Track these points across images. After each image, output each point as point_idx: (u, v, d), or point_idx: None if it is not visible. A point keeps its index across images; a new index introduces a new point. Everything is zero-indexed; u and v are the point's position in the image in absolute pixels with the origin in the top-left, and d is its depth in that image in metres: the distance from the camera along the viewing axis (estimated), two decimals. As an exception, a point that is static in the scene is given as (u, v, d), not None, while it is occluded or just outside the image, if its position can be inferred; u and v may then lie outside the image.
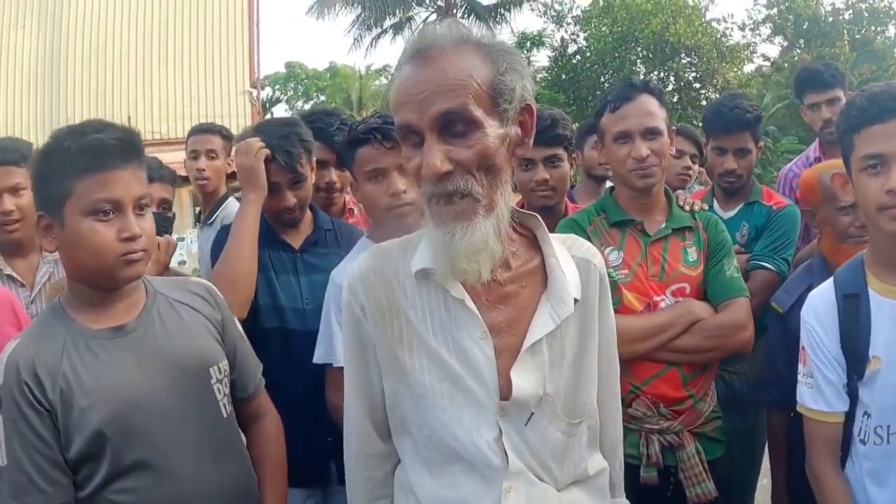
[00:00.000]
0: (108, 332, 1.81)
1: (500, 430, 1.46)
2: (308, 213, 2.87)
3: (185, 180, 4.44)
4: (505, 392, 1.47)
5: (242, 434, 2.08)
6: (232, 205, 3.76)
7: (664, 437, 2.41)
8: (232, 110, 17.75)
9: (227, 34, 18.65)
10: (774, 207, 3.12)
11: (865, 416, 1.96)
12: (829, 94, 3.71)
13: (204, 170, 3.98)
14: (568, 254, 1.60)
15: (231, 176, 3.55)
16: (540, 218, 1.59)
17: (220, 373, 1.94)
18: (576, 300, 1.54)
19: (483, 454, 1.46)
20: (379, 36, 28.41)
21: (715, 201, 3.27)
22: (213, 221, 3.95)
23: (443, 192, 1.38)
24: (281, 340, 2.61)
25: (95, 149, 1.74)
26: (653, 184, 2.50)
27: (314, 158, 2.76)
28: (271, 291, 2.67)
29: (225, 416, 1.94)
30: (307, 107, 38.13)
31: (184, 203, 12.76)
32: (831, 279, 2.08)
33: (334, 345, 2.38)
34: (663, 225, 2.54)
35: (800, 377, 2.09)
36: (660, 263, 2.50)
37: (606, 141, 2.56)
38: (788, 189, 3.84)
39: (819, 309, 2.05)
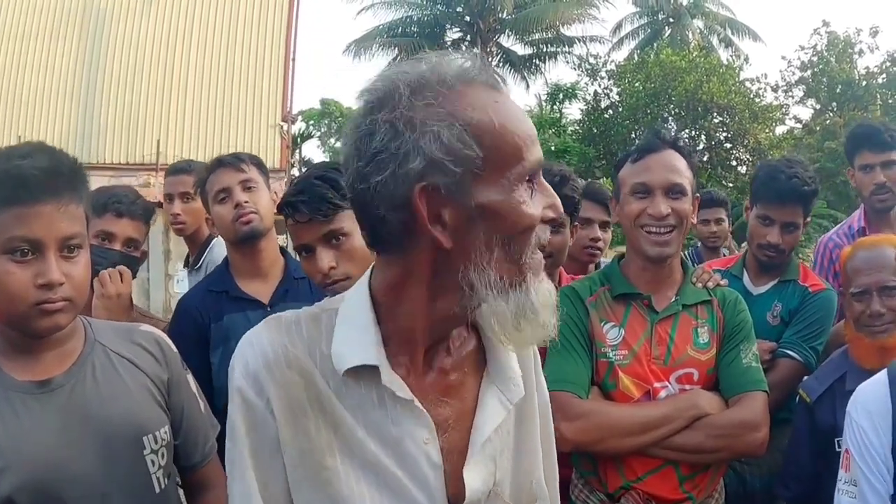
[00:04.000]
0: (33, 386, 1.57)
1: None
2: (279, 259, 2.74)
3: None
4: (453, 496, 1.25)
5: None
6: (217, 248, 3.51)
7: None
8: (261, 143, 17.74)
9: (264, 66, 18.75)
10: (811, 290, 2.84)
11: None
12: (885, 155, 3.39)
13: (179, 214, 3.64)
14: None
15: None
16: None
17: (156, 442, 1.69)
18: None
19: None
20: (413, 79, 28.61)
21: (746, 272, 2.98)
22: (199, 266, 3.72)
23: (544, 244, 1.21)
24: None
25: (14, 178, 1.49)
26: (668, 254, 2.23)
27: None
28: None
29: (158, 491, 1.69)
30: (339, 144, 38.31)
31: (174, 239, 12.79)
32: (885, 371, 1.85)
33: None
34: (673, 300, 2.27)
35: (840, 484, 1.88)
36: (666, 344, 2.22)
37: (622, 194, 2.28)
38: (827, 260, 3.53)
39: (870, 406, 1.82)
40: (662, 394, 2.20)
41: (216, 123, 17.90)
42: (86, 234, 1.64)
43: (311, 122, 41.66)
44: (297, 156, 29.97)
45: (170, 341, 1.89)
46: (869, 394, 1.84)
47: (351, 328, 1.25)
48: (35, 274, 1.52)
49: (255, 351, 1.25)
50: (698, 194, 2.34)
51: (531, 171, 1.16)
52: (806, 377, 2.56)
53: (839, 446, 2.09)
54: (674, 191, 2.21)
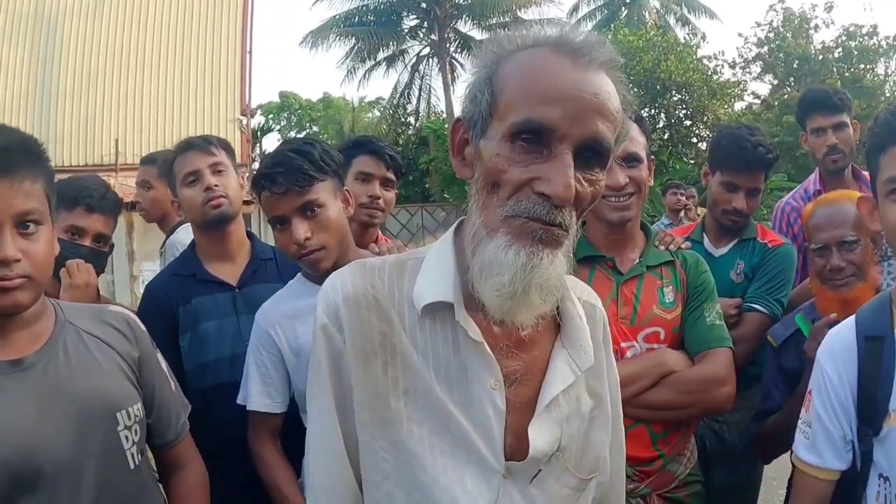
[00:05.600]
0: (6, 365, 1.56)
1: (499, 495, 1.24)
2: (246, 242, 2.71)
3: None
4: (511, 450, 1.26)
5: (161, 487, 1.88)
6: (176, 236, 3.56)
7: (628, 501, 2.10)
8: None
9: (220, 60, 18.59)
10: (770, 246, 2.92)
11: (884, 481, 1.71)
12: (836, 118, 3.48)
13: (139, 201, 3.92)
14: (574, 296, 1.39)
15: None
16: None
17: (130, 418, 1.69)
18: None
19: None
20: (372, 68, 28.50)
21: (706, 236, 3.06)
22: (162, 250, 3.80)
23: (550, 221, 1.14)
24: (223, 398, 2.40)
25: None
26: (628, 217, 2.28)
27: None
28: (201, 348, 2.50)
29: (132, 466, 1.70)
30: (299, 136, 38.21)
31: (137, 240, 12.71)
32: (853, 318, 1.84)
33: (248, 385, 2.26)
34: (637, 261, 2.31)
35: (799, 423, 1.89)
36: (632, 304, 2.25)
37: None
38: (786, 224, 3.63)
39: (836, 351, 1.81)
40: (629, 353, 2.22)
41: (175, 120, 17.70)
42: (47, 211, 1.61)
43: (271, 115, 41.42)
44: (257, 150, 29.75)
45: (138, 320, 1.89)
46: (836, 339, 1.84)
47: (433, 271, 1.29)
48: None
49: (336, 290, 1.31)
50: (652, 156, 2.37)
51: (518, 128, 1.16)
52: (774, 325, 2.61)
53: None
54: (629, 160, 2.25)
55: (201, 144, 2.66)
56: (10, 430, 1.50)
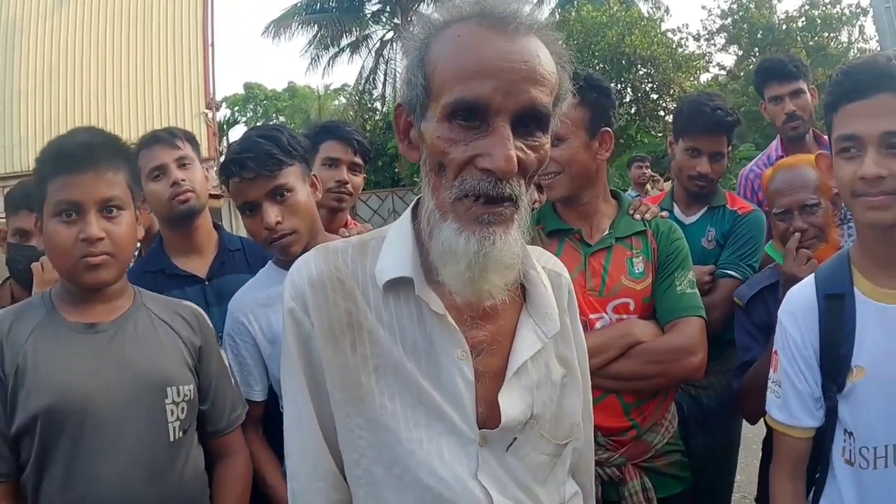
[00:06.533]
0: (81, 326, 1.83)
1: (478, 462, 1.27)
2: (213, 234, 2.70)
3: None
4: (484, 419, 1.28)
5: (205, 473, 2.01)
6: None
7: (603, 470, 2.15)
8: (188, 133, 17.46)
9: (182, 55, 18.40)
10: (739, 212, 2.96)
11: (848, 436, 1.75)
12: (792, 85, 3.52)
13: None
14: (539, 265, 1.42)
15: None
16: None
17: (179, 395, 1.88)
18: None
19: (470, 493, 1.25)
20: (336, 55, 28.27)
21: (675, 205, 3.09)
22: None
23: (498, 195, 1.16)
24: None
25: (55, 153, 1.82)
26: (555, 196, 2.31)
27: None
28: None
29: (172, 439, 1.85)
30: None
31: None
32: (812, 276, 1.87)
33: None
34: (607, 233, 2.31)
35: (769, 383, 1.92)
36: (600, 276, 2.26)
37: None
38: (750, 191, 3.66)
39: (797, 309, 1.83)
40: (598, 324, 2.23)
41: (139, 118, 17.50)
42: (129, 199, 1.89)
43: (236, 107, 41.08)
44: (224, 143, 29.48)
45: (207, 317, 2.10)
46: (796, 297, 1.87)
47: (394, 248, 1.31)
48: (78, 231, 1.77)
49: (302, 275, 1.33)
50: (606, 129, 2.35)
51: (452, 108, 1.17)
52: (740, 286, 2.65)
53: None
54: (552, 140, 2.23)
55: (166, 138, 2.63)
56: (65, 379, 1.74)
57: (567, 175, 2.28)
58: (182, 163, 2.62)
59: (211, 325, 2.08)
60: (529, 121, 1.18)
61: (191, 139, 2.74)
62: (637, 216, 2.37)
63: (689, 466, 2.38)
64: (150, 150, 2.61)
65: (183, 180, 2.57)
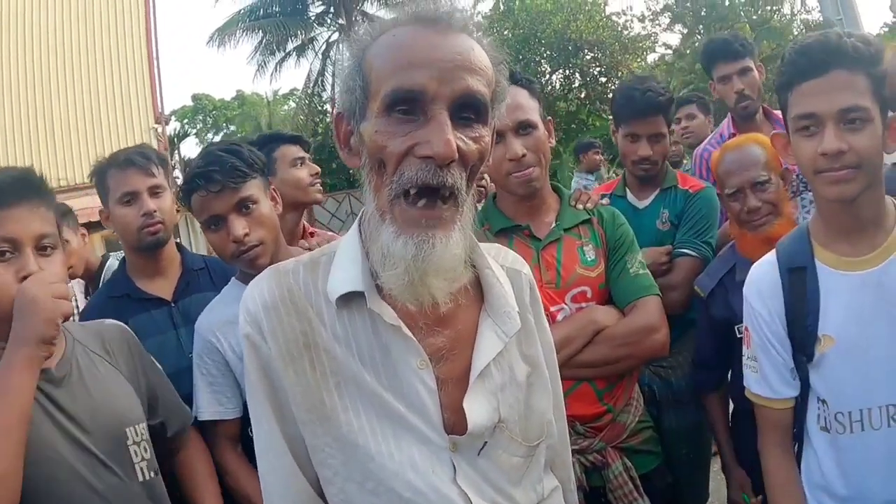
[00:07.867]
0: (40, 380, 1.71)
1: (454, 468, 1.27)
2: (176, 255, 2.68)
3: (97, 225, 4.15)
4: (451, 425, 1.28)
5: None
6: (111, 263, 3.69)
7: (585, 458, 2.20)
8: (138, 149, 17.21)
9: (128, 70, 18.13)
10: (691, 191, 2.98)
11: (822, 404, 1.80)
12: (739, 64, 3.57)
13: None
14: (497, 264, 1.42)
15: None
16: None
17: (138, 434, 1.83)
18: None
19: (446, 498, 1.25)
20: (283, 60, 28.05)
21: (628, 191, 3.11)
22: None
23: (439, 184, 1.14)
24: None
25: None
26: (536, 188, 2.28)
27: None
28: None
29: (142, 480, 1.81)
30: (217, 138, 37.46)
31: (95, 248, 12.28)
32: (773, 252, 1.91)
33: (197, 397, 2.27)
34: (554, 226, 2.32)
35: (745, 360, 1.97)
36: (554, 268, 2.27)
37: None
38: (704, 169, 3.67)
39: (761, 286, 1.88)
40: (560, 316, 2.25)
41: (88, 137, 17.24)
42: (57, 234, 1.82)
43: (186, 119, 40.55)
44: (176, 157, 29.13)
45: (128, 328, 2.10)
46: (759, 274, 1.91)
47: (343, 262, 1.30)
48: (16, 270, 1.71)
49: (255, 299, 1.32)
50: (549, 118, 2.37)
51: (390, 98, 1.17)
52: (699, 275, 2.67)
53: (739, 332, 2.21)
54: (523, 127, 2.24)
55: (142, 164, 2.53)
56: (32, 441, 1.63)
57: (541, 164, 2.28)
58: (155, 191, 2.55)
59: (134, 335, 2.07)
60: (468, 111, 1.19)
61: (163, 162, 2.66)
62: (579, 206, 2.39)
63: (665, 444, 2.44)
64: (123, 173, 2.53)
65: (155, 211, 2.51)
